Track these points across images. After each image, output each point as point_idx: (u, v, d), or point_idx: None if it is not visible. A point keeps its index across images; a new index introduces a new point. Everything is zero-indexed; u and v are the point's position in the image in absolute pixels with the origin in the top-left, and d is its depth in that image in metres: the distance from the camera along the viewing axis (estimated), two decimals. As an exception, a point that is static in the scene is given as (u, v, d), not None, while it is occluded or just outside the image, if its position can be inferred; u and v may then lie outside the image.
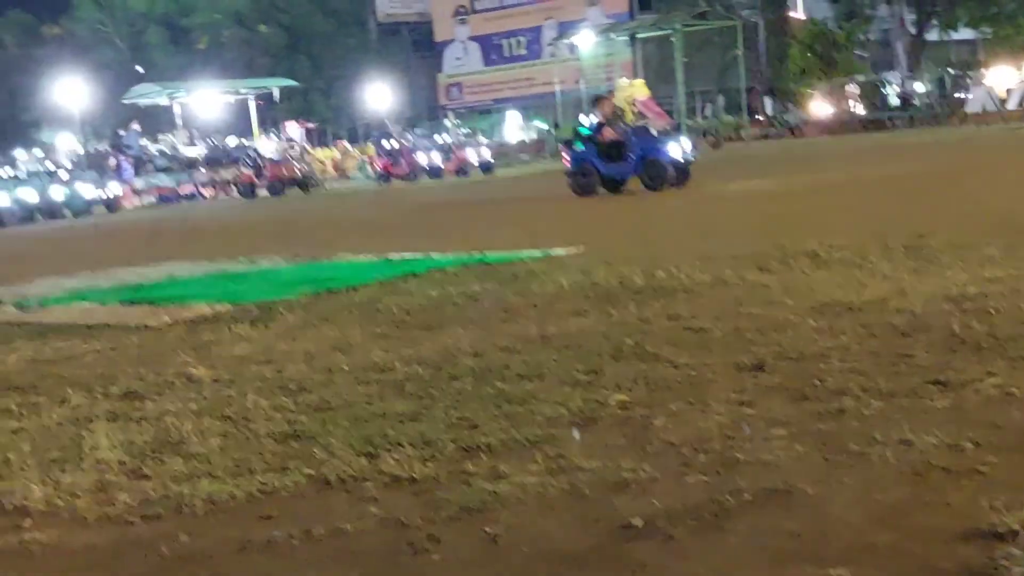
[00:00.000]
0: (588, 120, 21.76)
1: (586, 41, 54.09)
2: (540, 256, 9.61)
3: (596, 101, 22.61)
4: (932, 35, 54.43)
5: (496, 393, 4.73)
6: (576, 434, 4.06)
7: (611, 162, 19.32)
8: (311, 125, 57.20)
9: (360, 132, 62.53)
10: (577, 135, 21.24)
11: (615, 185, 19.53)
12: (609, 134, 19.70)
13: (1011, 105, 40.71)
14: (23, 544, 3.44)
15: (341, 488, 3.71)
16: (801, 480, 3.35)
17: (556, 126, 52.48)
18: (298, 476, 3.84)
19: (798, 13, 59.93)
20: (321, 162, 46.42)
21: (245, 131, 53.53)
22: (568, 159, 20.61)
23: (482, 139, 47.89)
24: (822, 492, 3.25)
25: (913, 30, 53.83)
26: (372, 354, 5.89)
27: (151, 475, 4.00)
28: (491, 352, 5.63)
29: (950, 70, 50.19)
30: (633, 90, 34.72)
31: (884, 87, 48.68)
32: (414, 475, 3.74)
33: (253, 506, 3.61)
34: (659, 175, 18.74)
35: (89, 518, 3.63)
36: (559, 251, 9.88)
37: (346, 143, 54.45)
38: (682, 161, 19.37)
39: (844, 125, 47.18)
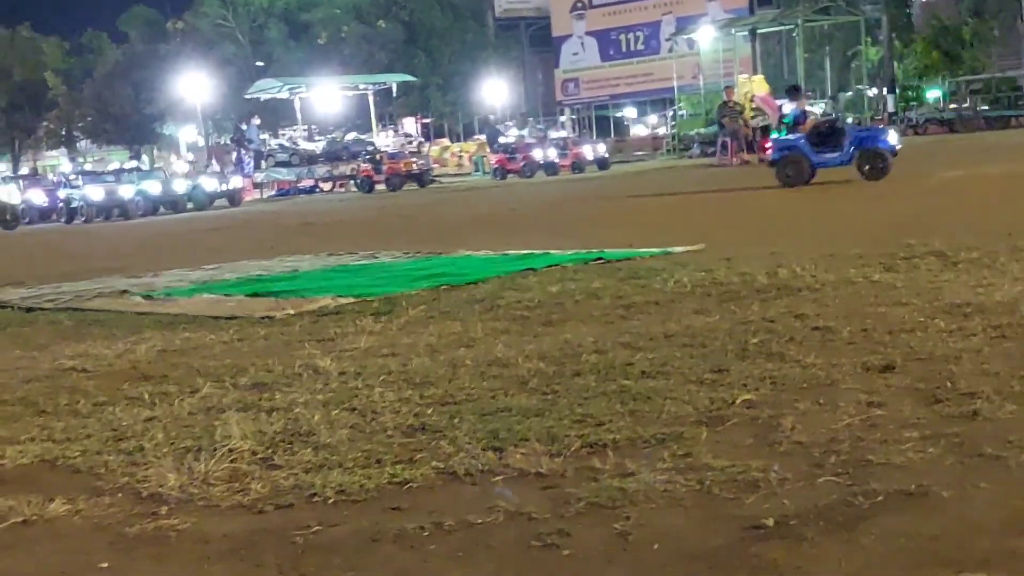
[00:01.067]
0: (789, 108, 21.44)
1: (705, 36, 53.67)
2: (659, 253, 9.57)
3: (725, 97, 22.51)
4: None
5: (620, 390, 4.73)
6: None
7: (825, 151, 19.02)
8: (428, 120, 57.47)
9: (477, 128, 62.59)
10: (782, 123, 21.00)
11: (798, 176, 19.10)
12: (812, 123, 19.79)
13: None
14: (159, 530, 3.49)
15: (467, 481, 3.72)
16: (935, 483, 3.30)
17: (674, 119, 52.09)
18: (426, 468, 3.86)
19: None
20: (437, 157, 46.49)
21: (364, 126, 53.78)
22: (771, 148, 20.39)
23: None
24: (957, 495, 3.21)
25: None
26: (495, 349, 5.90)
27: (282, 465, 4.05)
28: (614, 349, 5.62)
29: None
30: (753, 86, 34.54)
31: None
32: (541, 470, 3.75)
33: (383, 497, 3.64)
34: (881, 164, 18.40)
35: (223, 506, 3.69)
36: (679, 248, 9.83)
37: (459, 141, 54.48)
38: (897, 150, 19.13)
39: (967, 123, 46.50)
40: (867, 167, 18.42)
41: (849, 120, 21.41)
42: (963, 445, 3.63)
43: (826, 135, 19.37)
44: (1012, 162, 19.50)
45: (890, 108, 53.24)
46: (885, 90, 55.40)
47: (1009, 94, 47.48)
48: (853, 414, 4.06)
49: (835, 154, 18.92)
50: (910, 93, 54.90)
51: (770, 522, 3.12)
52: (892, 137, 19.84)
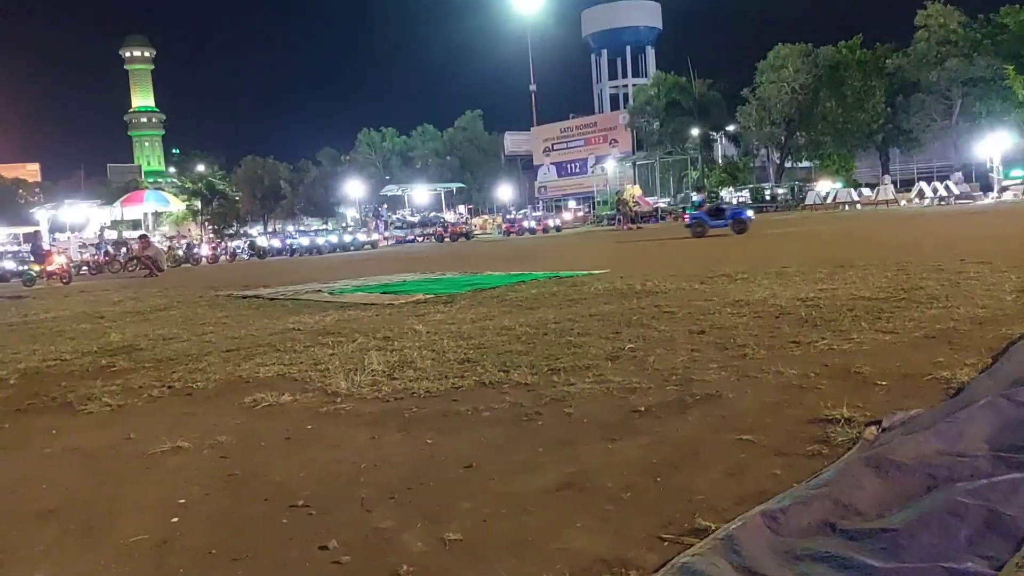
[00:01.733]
0: (697, 198, 21.76)
1: (610, 166, 54.10)
2: (585, 274, 9.56)
3: (618, 195, 22.53)
4: (788, 163, 53.35)
5: (567, 343, 4.69)
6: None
7: (716, 220, 18.85)
8: (470, 206, 57.50)
9: (495, 209, 62.73)
10: (692, 205, 21.16)
11: (702, 232, 18.78)
12: (709, 205, 20.16)
13: (829, 200, 39.62)
14: (337, 410, 3.49)
15: (490, 387, 3.69)
16: (725, 390, 3.29)
17: (594, 207, 52.24)
18: (470, 381, 3.83)
19: (718, 152, 59.19)
20: (475, 225, 46.48)
21: (437, 208, 53.95)
22: (687, 217, 20.21)
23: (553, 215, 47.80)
24: (737, 396, 3.19)
25: (778, 161, 52.78)
26: (503, 320, 5.86)
27: (398, 378, 4.01)
28: (563, 321, 5.58)
29: (797, 182, 49.22)
30: (634, 190, 34.48)
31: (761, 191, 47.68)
32: (527, 382, 3.73)
33: (448, 395, 3.61)
34: (744, 227, 18.30)
35: (368, 398, 3.67)
36: (597, 271, 9.82)
37: (487, 216, 54.53)
38: (751, 219, 19.17)
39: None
40: (738, 228, 18.31)
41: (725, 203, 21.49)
42: (739, 371, 3.61)
43: (716, 211, 19.38)
44: (786, 227, 19.44)
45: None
46: (700, 193, 55.42)
47: (761, 196, 47.27)
48: (684, 355, 4.04)
49: (720, 221, 18.82)
50: (713, 195, 54.79)
51: (642, 408, 3.12)
52: (750, 213, 19.91)
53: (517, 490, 2.35)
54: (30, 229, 43.91)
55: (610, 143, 66.03)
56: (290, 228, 57.55)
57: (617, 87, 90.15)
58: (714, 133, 56.57)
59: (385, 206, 53.27)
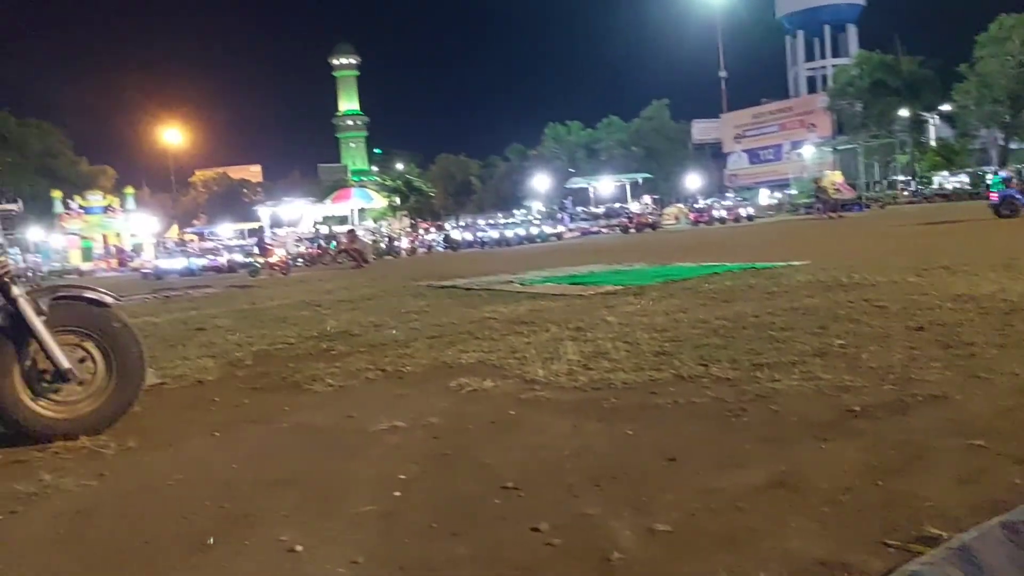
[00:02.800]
0: (1003, 173, 20.25)
1: (808, 152, 51.38)
2: (784, 265, 9.16)
3: (816, 181, 21.29)
4: (1013, 145, 48.35)
5: (768, 337, 4.52)
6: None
7: None
8: (656, 196, 56.65)
9: (682, 199, 61.50)
10: (993, 183, 19.59)
11: (1013, 212, 17.07)
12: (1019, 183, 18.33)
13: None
14: (537, 397, 3.57)
15: (689, 381, 3.63)
16: (951, 391, 3.05)
17: (790, 195, 49.98)
18: (667, 373, 3.80)
19: (930, 134, 54.70)
20: (666, 215, 45.71)
21: (622, 200, 53.64)
22: (994, 196, 18.38)
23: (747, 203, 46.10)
24: (964, 398, 2.95)
25: (1002, 143, 47.99)
26: (698, 313, 5.74)
27: (593, 368, 4.04)
28: (763, 315, 5.39)
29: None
30: (834, 176, 32.66)
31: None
32: (728, 377, 3.64)
33: (645, 387, 3.59)
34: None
35: (565, 387, 3.72)
36: (796, 262, 9.38)
37: (679, 205, 53.50)
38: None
39: (959, 194, 42.63)
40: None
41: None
42: (966, 370, 3.33)
43: None
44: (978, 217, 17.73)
45: (913, 188, 49.33)
46: (910, 178, 51.47)
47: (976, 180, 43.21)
48: (901, 353, 3.78)
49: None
50: (925, 179, 50.64)
51: (857, 408, 2.95)
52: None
53: (725, 485, 2.30)
54: (254, 225, 48.25)
55: (807, 128, 62.86)
56: (480, 221, 59.36)
57: (814, 69, 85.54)
58: (925, 114, 52.25)
59: (570, 198, 53.71)
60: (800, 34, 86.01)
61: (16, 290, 3.29)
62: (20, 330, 3.29)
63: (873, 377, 3.39)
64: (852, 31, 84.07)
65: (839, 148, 51.74)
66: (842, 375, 3.45)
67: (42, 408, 3.36)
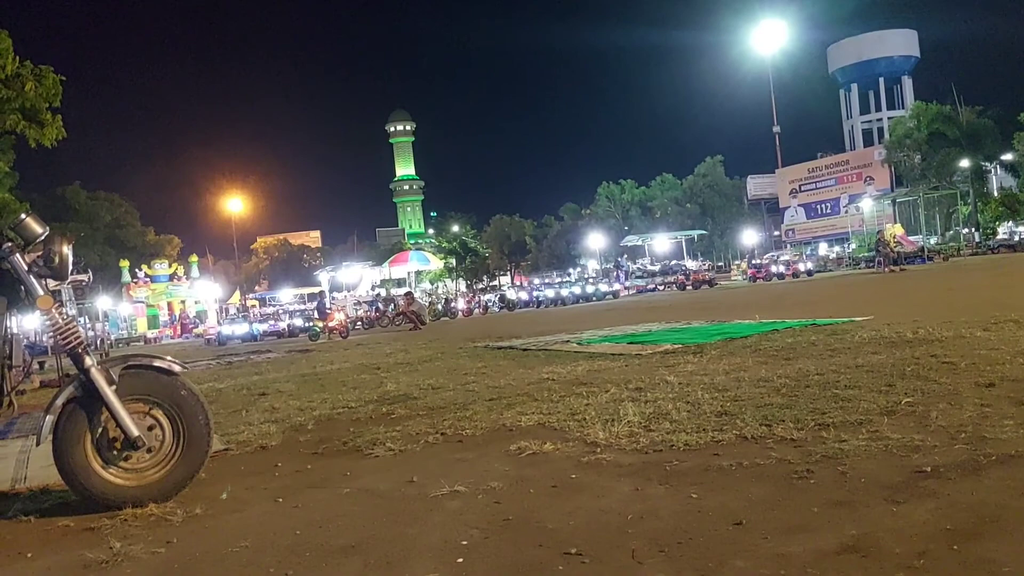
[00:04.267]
0: None
1: (867, 205, 50.64)
2: (847, 321, 8.97)
3: (878, 235, 20.79)
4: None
5: (833, 395, 4.43)
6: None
7: None
8: (706, 257, 56.41)
9: (743, 257, 61.00)
10: None
11: None
12: None
13: None
14: (598, 459, 3.54)
15: (753, 442, 3.57)
16: (1027, 450, 2.95)
17: (851, 249, 49.16)
18: (729, 434, 3.73)
19: (993, 184, 53.50)
20: (718, 273, 45.25)
21: (678, 257, 53.46)
22: None
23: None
24: (1042, 457, 2.85)
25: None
26: (759, 372, 5.65)
27: (654, 430, 4.00)
28: (826, 372, 5.28)
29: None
30: (895, 229, 32.09)
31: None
32: (792, 437, 3.56)
33: (708, 448, 3.54)
34: None
35: (627, 449, 3.68)
36: (859, 318, 9.19)
37: (740, 262, 53.03)
38: None
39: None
40: None
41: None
42: (1043, 429, 3.22)
43: None
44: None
45: (976, 239, 48.04)
46: (973, 229, 50.22)
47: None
48: (972, 411, 3.66)
49: None
50: (989, 230, 49.28)
51: (928, 469, 2.86)
52: None
53: (794, 551, 2.25)
54: (314, 290, 49.19)
55: (865, 180, 62.16)
56: (535, 281, 59.59)
57: (870, 121, 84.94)
58: (987, 164, 51.22)
59: (625, 256, 53.68)
60: (854, 87, 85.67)
61: (88, 360, 3.41)
62: (92, 399, 3.41)
63: (943, 436, 3.29)
64: (907, 83, 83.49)
65: (898, 200, 50.86)
66: (911, 434, 3.36)
67: (112, 476, 3.45)
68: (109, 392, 3.39)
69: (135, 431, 3.40)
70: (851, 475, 2.91)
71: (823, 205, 68.08)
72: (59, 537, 3.12)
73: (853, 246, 50.09)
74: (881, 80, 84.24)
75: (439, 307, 34.72)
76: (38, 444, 3.40)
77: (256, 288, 76.52)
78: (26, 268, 3.29)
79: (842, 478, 2.90)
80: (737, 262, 52.88)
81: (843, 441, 3.37)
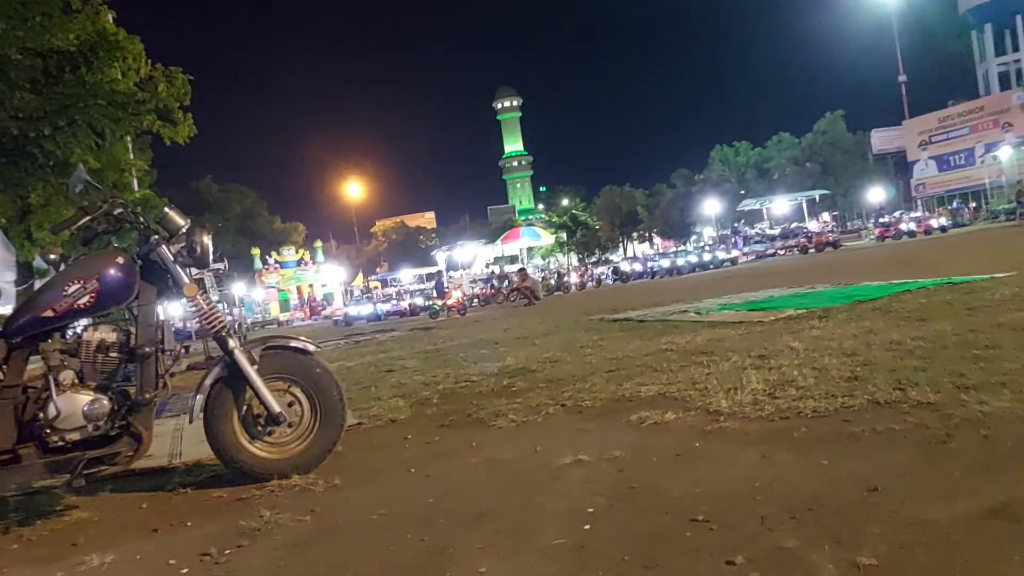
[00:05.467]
0: None
1: (1005, 153, 47.22)
2: (986, 279, 8.45)
3: (1019, 184, 19.38)
4: None
5: (972, 356, 4.20)
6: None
7: None
8: (835, 213, 53.97)
9: (866, 215, 58.22)
10: None
11: None
12: None
13: None
14: (722, 428, 3.50)
15: (886, 407, 3.44)
16: None
17: (987, 203, 46.06)
18: (860, 399, 3.60)
19: None
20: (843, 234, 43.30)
21: (799, 219, 51.51)
22: None
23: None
24: None
25: None
26: (891, 334, 5.40)
27: (780, 397, 3.91)
28: (964, 332, 5.01)
29: None
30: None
31: None
32: (929, 401, 3.40)
33: (838, 414, 3.43)
34: None
35: (751, 417, 3.62)
36: (999, 274, 8.63)
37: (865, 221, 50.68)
38: None
39: None
40: None
41: None
42: None
43: None
44: None
45: None
46: None
47: None
48: None
49: None
50: None
51: (1081, 431, 2.70)
52: None
53: (934, 517, 2.16)
54: (432, 270, 50.38)
55: (1003, 127, 57.78)
56: (650, 251, 58.81)
57: (1007, 63, 78.74)
58: None
59: (743, 221, 52.18)
60: (988, 27, 79.60)
61: (232, 343, 3.63)
62: (237, 379, 3.63)
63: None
64: (1047, 18, 76.87)
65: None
66: (1064, 395, 3.15)
67: (258, 450, 3.68)
68: (252, 372, 3.60)
69: (277, 407, 3.61)
70: (995, 439, 2.77)
71: (956, 156, 63.84)
72: (214, 507, 3.36)
73: (992, 199, 46.92)
74: (1018, 18, 77.85)
75: (552, 282, 34.81)
76: (191, 422, 3.66)
77: (377, 270, 78.86)
78: (172, 258, 3.52)
79: (985, 442, 2.76)
80: (864, 224, 50.37)
81: (985, 403, 3.19)
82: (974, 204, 51.21)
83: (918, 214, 44.97)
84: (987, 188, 49.60)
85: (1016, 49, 78.16)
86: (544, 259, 60.92)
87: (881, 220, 44.74)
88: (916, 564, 1.89)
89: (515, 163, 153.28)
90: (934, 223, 38.36)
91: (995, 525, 2.05)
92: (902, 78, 64.69)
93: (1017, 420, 2.94)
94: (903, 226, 38.70)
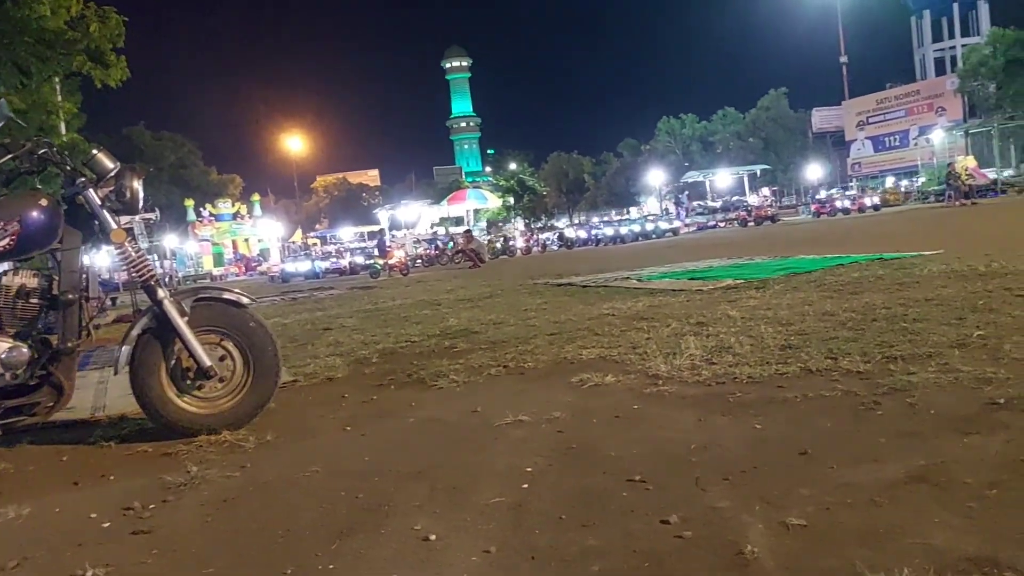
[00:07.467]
0: None
1: (937, 137, 48.59)
2: (915, 255, 8.71)
3: (948, 167, 19.99)
4: None
5: (901, 328, 4.33)
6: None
7: None
8: (775, 188, 55.02)
9: (803, 192, 59.50)
10: None
11: None
12: None
13: None
14: (659, 392, 3.53)
15: (818, 374, 3.52)
16: (1109, 382, 2.84)
17: (921, 183, 47.44)
18: (794, 367, 3.68)
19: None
20: (782, 209, 44.19)
21: (740, 192, 52.30)
22: None
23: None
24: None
25: None
26: (824, 306, 5.54)
27: (717, 363, 3.97)
28: (894, 306, 5.16)
29: None
30: (967, 162, 30.85)
31: None
32: (859, 370, 3.49)
33: (772, 380, 3.50)
34: None
35: (688, 381, 3.67)
36: (928, 252, 8.91)
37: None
38: None
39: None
40: None
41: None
42: None
43: None
44: None
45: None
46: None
47: None
48: (1049, 343, 3.55)
49: None
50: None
51: (1001, 401, 2.79)
52: None
53: (861, 480, 2.22)
54: (374, 228, 49.83)
55: (936, 111, 59.54)
56: (595, 219, 59.17)
57: (943, 50, 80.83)
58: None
59: (687, 193, 52.84)
60: (926, 14, 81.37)
61: (161, 293, 3.51)
62: (166, 331, 3.51)
63: (1018, 368, 3.19)
64: (983, 8, 78.84)
65: (971, 132, 48.64)
66: (983, 367, 3.26)
67: (186, 404, 3.57)
68: (182, 323, 3.49)
69: (207, 361, 3.51)
70: (920, 407, 2.85)
71: (891, 138, 65.61)
72: (138, 461, 3.26)
73: (922, 179, 48.34)
74: (955, 6, 79.79)
75: (498, 245, 34.78)
76: (116, 374, 3.54)
77: (317, 227, 77.62)
78: (99, 202, 3.37)
79: (911, 410, 2.84)
80: (801, 200, 51.48)
81: (912, 374, 3.29)
82: (905, 184, 52.72)
83: (853, 192, 46.11)
84: (919, 169, 51.06)
85: (952, 36, 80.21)
86: (491, 222, 60.72)
87: (817, 197, 45.82)
88: (842, 525, 1.94)
89: (463, 124, 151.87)
90: (868, 201, 39.45)
91: (917, 489, 2.11)
92: (843, 59, 65.92)
93: (941, 390, 3.03)
94: (838, 203, 39.69)
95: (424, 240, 40.34)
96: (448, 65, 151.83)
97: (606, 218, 58.36)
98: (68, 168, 3.41)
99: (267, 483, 2.81)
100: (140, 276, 3.52)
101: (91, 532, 2.45)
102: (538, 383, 4.04)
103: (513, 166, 70.51)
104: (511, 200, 60.39)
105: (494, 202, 59.30)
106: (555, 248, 36.89)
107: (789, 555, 1.82)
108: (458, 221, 51.81)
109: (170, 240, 54.24)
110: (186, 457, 3.22)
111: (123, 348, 3.47)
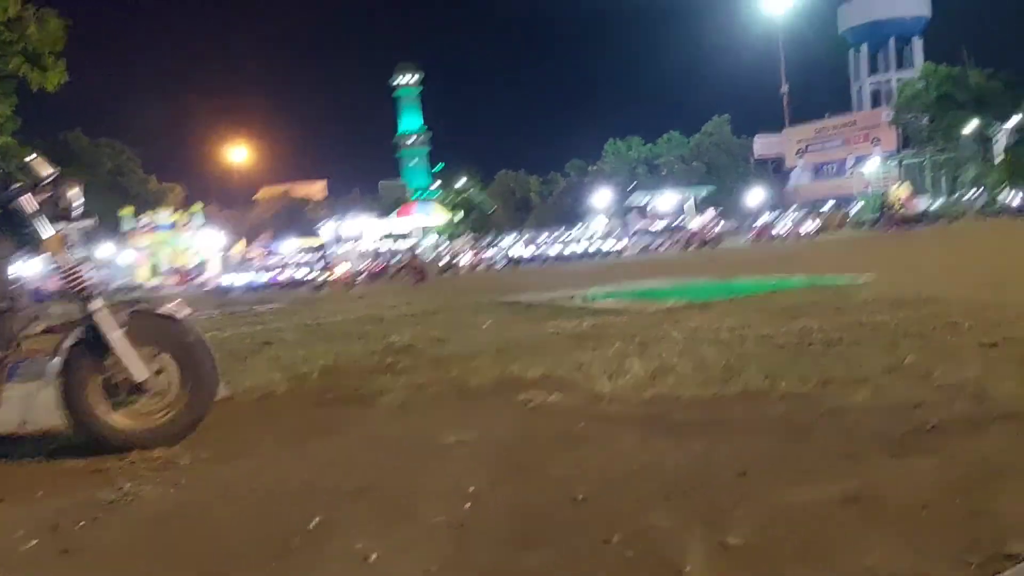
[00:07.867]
0: None
1: (872, 166, 50.34)
2: (850, 280, 8.96)
3: (883, 196, 20.77)
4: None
5: (836, 353, 4.44)
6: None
7: None
8: (719, 208, 56.05)
9: (747, 214, 60.87)
10: None
11: None
12: None
13: None
14: (603, 411, 3.56)
15: (758, 396, 3.58)
16: (1032, 407, 2.96)
17: (854, 211, 48.92)
18: (734, 388, 3.74)
19: (998, 148, 52.87)
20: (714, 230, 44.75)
21: (683, 215, 53.21)
22: None
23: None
24: (1046, 415, 2.86)
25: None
26: (763, 329, 5.64)
27: (660, 383, 4.01)
28: (830, 331, 5.27)
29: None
30: (901, 191, 31.98)
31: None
32: (797, 392, 3.57)
33: (713, 402, 3.55)
34: None
35: (632, 401, 3.70)
36: (861, 278, 9.17)
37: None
38: None
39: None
40: None
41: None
42: (1047, 388, 3.23)
43: None
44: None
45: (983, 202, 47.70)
46: (979, 192, 49.87)
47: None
48: (975, 370, 3.64)
49: None
50: (996, 193, 48.95)
51: (931, 425, 2.87)
52: None
53: (797, 500, 2.27)
54: (318, 241, 49.24)
55: (872, 142, 61.67)
56: (541, 238, 59.56)
57: (879, 82, 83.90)
58: (999, 125, 50.66)
59: (632, 212, 53.54)
60: (864, 47, 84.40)
61: (96, 303, 3.42)
62: (99, 343, 3.41)
63: (946, 393, 3.30)
64: (917, 44, 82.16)
65: (905, 162, 50.60)
66: (914, 391, 3.37)
67: (119, 419, 3.46)
68: (116, 335, 3.39)
69: (142, 375, 3.42)
70: (854, 429, 2.93)
71: (829, 166, 67.86)
72: (68, 478, 3.15)
73: (859, 206, 49.91)
74: (891, 40, 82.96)
75: (444, 261, 34.70)
76: (45, 387, 3.42)
77: (260, 238, 76.39)
78: (34, 209, 3.27)
79: (845, 432, 2.91)
80: (742, 224, 52.72)
81: (846, 397, 3.38)
82: (843, 211, 54.35)
83: (793, 216, 47.29)
84: (855, 197, 52.75)
85: (888, 69, 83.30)
86: (439, 236, 60.64)
87: (757, 222, 46.82)
88: (779, 544, 1.98)
89: (411, 139, 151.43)
90: (806, 227, 40.51)
91: (852, 509, 2.17)
92: (784, 88, 67.88)
93: (874, 413, 3.12)
94: (776, 229, 40.66)
95: (369, 254, 40.05)
96: (398, 81, 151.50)
97: (553, 236, 58.82)
98: (1, 172, 3.30)
99: (202, 501, 2.74)
100: (74, 286, 3.42)
101: (17, 551, 2.36)
102: (482, 401, 4.04)
103: (463, 181, 70.63)
104: (461, 213, 60.47)
105: (441, 217, 59.28)
106: (501, 266, 36.96)
107: (727, 574, 1.84)
108: (404, 236, 51.63)
109: (106, 249, 52.76)
110: (118, 474, 3.12)
111: (54, 360, 3.37)
